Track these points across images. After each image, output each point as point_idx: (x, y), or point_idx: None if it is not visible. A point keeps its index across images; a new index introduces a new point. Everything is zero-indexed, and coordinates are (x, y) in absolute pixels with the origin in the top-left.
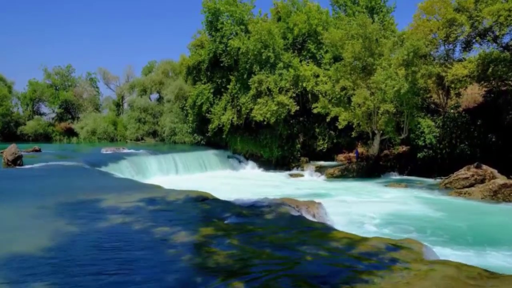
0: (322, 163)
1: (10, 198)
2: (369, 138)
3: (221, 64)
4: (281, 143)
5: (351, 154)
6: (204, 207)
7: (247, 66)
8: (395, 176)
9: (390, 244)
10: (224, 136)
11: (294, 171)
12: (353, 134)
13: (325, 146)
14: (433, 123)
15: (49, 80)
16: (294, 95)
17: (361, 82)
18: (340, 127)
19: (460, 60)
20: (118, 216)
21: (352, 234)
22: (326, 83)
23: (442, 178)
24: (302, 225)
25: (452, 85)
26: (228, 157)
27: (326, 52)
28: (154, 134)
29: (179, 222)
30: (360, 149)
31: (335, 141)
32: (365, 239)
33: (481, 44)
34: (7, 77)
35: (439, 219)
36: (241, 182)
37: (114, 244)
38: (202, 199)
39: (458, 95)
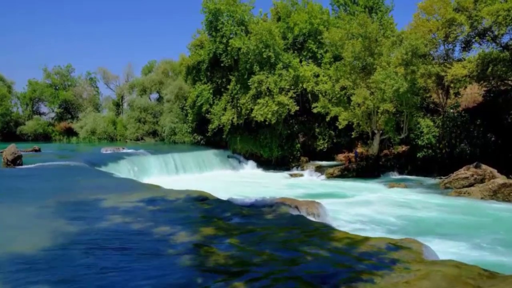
0: (322, 162)
1: (10, 198)
2: (369, 138)
3: (221, 64)
4: (281, 143)
5: (351, 154)
6: (204, 207)
7: (247, 66)
8: (395, 176)
9: (390, 244)
10: (224, 136)
11: (294, 171)
12: (353, 134)
13: (325, 145)
14: (432, 123)
15: (49, 80)
16: (294, 95)
17: (360, 81)
18: (340, 127)
19: (459, 60)
20: (118, 216)
21: (352, 234)
22: (326, 83)
23: (441, 178)
24: (302, 225)
25: (452, 85)
26: (228, 157)
27: (326, 51)
28: (154, 134)
29: (179, 222)
30: (360, 149)
31: (335, 140)
32: (365, 239)
33: (480, 44)
34: (7, 77)
35: (438, 218)
36: (241, 182)
37: (113, 244)
38: (202, 199)
39: (458, 94)
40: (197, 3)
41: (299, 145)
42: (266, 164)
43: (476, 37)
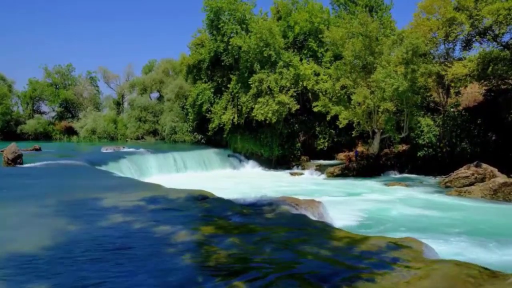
0: (322, 162)
1: (10, 197)
2: (369, 137)
3: (222, 63)
4: (282, 142)
5: (351, 153)
6: (204, 206)
7: (248, 65)
8: (395, 175)
9: (390, 243)
10: (224, 135)
11: (295, 170)
12: (354, 133)
13: (326, 145)
14: (433, 122)
15: (49, 79)
16: (295, 94)
17: (361, 80)
18: (340, 126)
19: (460, 59)
20: (118, 215)
21: (353, 233)
22: (326, 82)
23: (442, 177)
24: (302, 224)
25: (452, 84)
26: (229, 156)
27: (327, 50)
28: (154, 133)
29: (179, 221)
30: (360, 148)
31: (335, 140)
32: (365, 238)
33: (481, 43)
34: (7, 76)
35: (439, 217)
36: (242, 181)
37: (114, 243)
38: (203, 198)
39: (458, 93)
40: (197, 3)
41: (299, 144)
42: (266, 163)
43: (477, 36)
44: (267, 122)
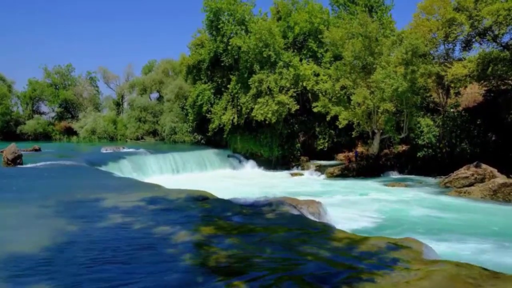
0: (322, 162)
1: (10, 197)
2: (369, 137)
3: (222, 64)
4: (281, 142)
5: (351, 154)
6: (204, 207)
7: (248, 65)
8: (395, 175)
9: (390, 243)
10: (224, 135)
11: (294, 170)
12: (354, 133)
13: (325, 145)
14: (432, 122)
15: (49, 79)
16: (295, 94)
17: (361, 81)
18: (340, 126)
19: (460, 60)
20: (118, 216)
21: (352, 233)
22: (326, 82)
23: (442, 177)
24: (302, 225)
25: (452, 84)
26: (228, 156)
27: (327, 51)
28: (154, 133)
29: (179, 222)
30: (360, 149)
31: (335, 140)
32: (365, 239)
33: (481, 44)
34: (7, 76)
35: (438, 218)
36: (241, 181)
37: (114, 243)
38: (203, 199)
39: (458, 94)
40: (197, 3)
41: (299, 144)
42: (266, 163)
43: (477, 37)
44: (267, 122)
